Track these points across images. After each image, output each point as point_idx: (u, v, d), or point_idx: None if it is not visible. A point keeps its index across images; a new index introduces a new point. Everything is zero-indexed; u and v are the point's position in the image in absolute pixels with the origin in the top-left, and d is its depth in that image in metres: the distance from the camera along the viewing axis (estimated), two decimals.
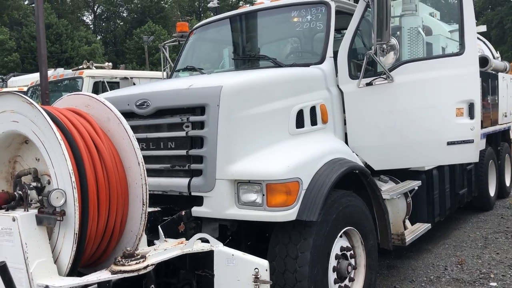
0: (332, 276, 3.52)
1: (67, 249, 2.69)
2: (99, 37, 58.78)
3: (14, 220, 2.61)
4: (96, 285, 2.66)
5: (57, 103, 3.35)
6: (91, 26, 64.04)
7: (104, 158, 2.88)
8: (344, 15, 4.72)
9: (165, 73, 5.93)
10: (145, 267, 2.68)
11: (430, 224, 5.19)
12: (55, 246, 2.75)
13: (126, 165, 3.01)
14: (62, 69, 9.82)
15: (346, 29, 4.55)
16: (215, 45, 5.68)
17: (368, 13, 4.31)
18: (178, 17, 64.91)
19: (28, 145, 3.13)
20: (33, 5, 3.97)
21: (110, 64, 8.56)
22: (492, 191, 7.94)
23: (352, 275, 3.75)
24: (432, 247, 6.00)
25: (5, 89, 9.77)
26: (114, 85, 7.09)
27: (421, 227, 5.03)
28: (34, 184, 2.91)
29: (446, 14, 6.67)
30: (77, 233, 2.62)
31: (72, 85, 7.10)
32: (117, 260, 2.69)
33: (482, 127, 6.93)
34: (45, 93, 4.33)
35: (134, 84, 7.17)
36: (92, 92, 6.91)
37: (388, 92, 4.17)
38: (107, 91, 6.84)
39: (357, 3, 4.63)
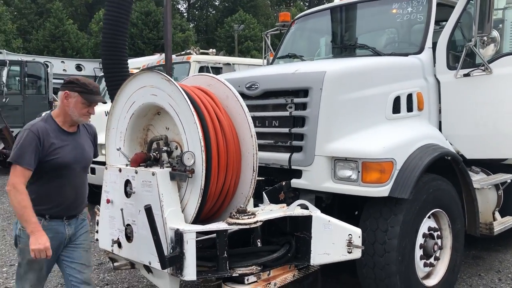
0: (418, 252, 3.78)
1: (193, 202, 3.24)
2: (192, 25, 61.29)
3: (153, 174, 3.20)
4: (215, 234, 3.18)
5: (184, 82, 3.92)
6: (185, 14, 66.90)
7: (224, 129, 3.39)
8: (444, 7, 4.83)
9: (265, 61, 6.40)
10: (255, 222, 3.15)
11: None
12: (182, 199, 3.31)
13: (240, 137, 3.50)
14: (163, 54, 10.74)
15: (444, 21, 4.69)
16: (314, 34, 6.02)
17: (470, 6, 4.41)
18: (268, 6, 65.98)
19: (160, 116, 3.73)
20: None
21: (214, 50, 9.27)
22: None
23: (437, 255, 3.97)
24: None
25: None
26: (217, 70, 7.75)
27: (511, 220, 5.04)
28: (165, 148, 3.51)
29: None
30: (202, 188, 3.16)
31: (180, 69, 7.88)
32: (232, 214, 3.19)
33: None
34: (169, 74, 5.01)
35: (234, 70, 7.82)
36: None
37: (485, 84, 4.27)
38: None
39: None
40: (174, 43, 45.21)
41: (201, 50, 8.49)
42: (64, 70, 14.06)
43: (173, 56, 9.60)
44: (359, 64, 4.21)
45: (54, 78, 13.64)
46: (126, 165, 3.57)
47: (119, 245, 3.49)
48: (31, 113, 12.10)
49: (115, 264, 3.81)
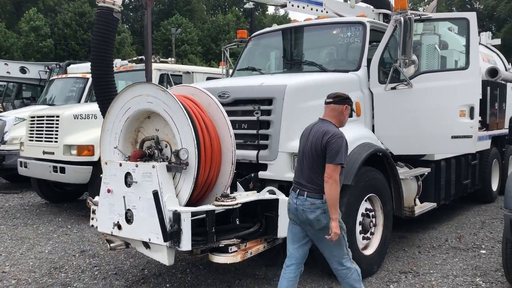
0: (358, 227, 4.79)
1: (186, 189, 4.01)
2: (126, 26, 60.36)
3: (153, 167, 3.93)
4: (205, 213, 3.96)
5: (170, 91, 4.66)
6: None
7: (209, 130, 4.20)
8: (376, 32, 5.95)
9: (224, 70, 7.23)
10: (236, 204, 3.99)
11: (436, 204, 6.40)
12: (176, 187, 4.07)
13: (221, 137, 4.31)
14: (120, 60, 11.16)
15: (377, 41, 5.80)
16: (268, 51, 6.95)
17: (396, 32, 5.54)
18: (204, 10, 66.57)
19: (150, 119, 4.47)
20: None
21: (173, 59, 9.93)
22: (494, 186, 9.09)
23: (372, 231, 5.02)
24: (437, 226, 7.21)
25: (70, 75, 11.17)
26: (177, 78, 8.44)
27: (428, 205, 6.25)
28: (159, 146, 4.25)
29: (461, 29, 7.79)
30: (195, 177, 3.94)
31: (141, 76, 8.43)
32: (217, 198, 4.01)
33: (488, 129, 8.14)
34: (150, 80, 5.64)
35: (193, 78, 8.61)
36: (158, 83, 8.28)
37: (408, 95, 5.41)
38: (171, 82, 8.21)
39: (387, 22, 5.89)
40: None
41: (161, 59, 9.15)
42: (8, 72, 13.92)
43: (126, 62, 10.12)
44: (312, 79, 5.19)
45: None
46: (125, 160, 4.27)
47: (119, 227, 4.17)
48: None
49: (112, 245, 4.47)
